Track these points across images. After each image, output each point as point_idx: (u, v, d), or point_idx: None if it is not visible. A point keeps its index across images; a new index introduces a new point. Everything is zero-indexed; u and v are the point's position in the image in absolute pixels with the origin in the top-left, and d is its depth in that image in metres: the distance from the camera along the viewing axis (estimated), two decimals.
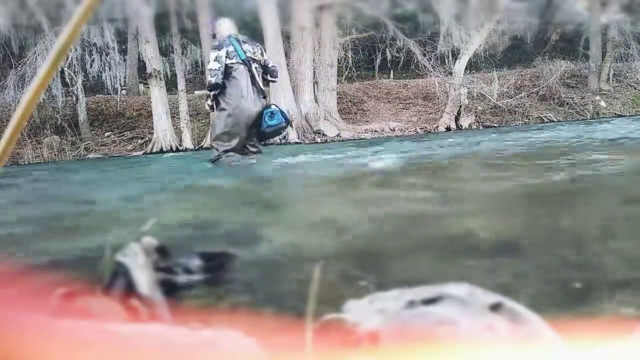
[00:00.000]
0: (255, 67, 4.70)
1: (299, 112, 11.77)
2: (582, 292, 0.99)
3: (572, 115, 13.88)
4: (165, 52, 13.06)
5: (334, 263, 1.27)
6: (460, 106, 12.94)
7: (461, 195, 2.43)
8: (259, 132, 4.76)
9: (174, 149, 11.58)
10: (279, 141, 10.96)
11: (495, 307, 0.66)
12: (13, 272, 1.34)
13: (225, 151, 4.68)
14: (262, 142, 4.99)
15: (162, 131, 11.66)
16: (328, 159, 5.02)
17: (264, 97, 4.86)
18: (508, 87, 13.64)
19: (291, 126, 11.50)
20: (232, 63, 4.60)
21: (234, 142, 4.67)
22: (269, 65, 4.89)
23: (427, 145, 6.57)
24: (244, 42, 4.73)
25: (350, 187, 3.12)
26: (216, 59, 4.63)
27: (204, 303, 1.09)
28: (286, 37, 12.13)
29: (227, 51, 4.61)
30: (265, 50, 4.99)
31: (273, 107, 4.74)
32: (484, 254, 1.31)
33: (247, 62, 4.64)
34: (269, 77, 4.94)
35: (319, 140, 11.51)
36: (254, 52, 4.72)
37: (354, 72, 14.52)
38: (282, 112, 4.70)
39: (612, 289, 1.00)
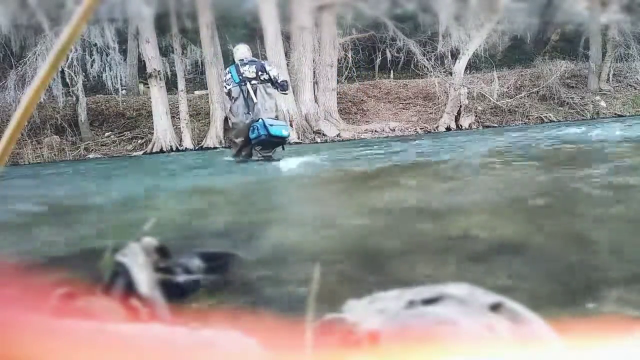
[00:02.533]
0: (253, 84, 5.46)
1: (299, 112, 11.76)
2: None
3: (572, 115, 13.88)
4: (165, 52, 13.04)
5: None
6: (460, 106, 12.93)
7: None
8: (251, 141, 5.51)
9: (174, 149, 11.57)
10: None
11: (495, 307, 0.66)
12: (13, 272, 1.34)
13: (238, 152, 5.60)
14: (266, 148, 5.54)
15: (162, 131, 11.65)
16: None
17: (272, 109, 5.60)
18: (508, 87, 13.64)
19: (291, 126, 11.51)
20: (230, 88, 5.55)
21: (243, 147, 5.56)
22: (279, 81, 5.60)
23: None
24: (245, 64, 5.52)
25: None
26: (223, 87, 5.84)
27: (204, 303, 1.09)
28: (286, 37, 12.12)
29: (225, 80, 5.69)
30: (269, 68, 5.59)
31: (259, 121, 5.34)
32: None
33: (241, 84, 5.41)
34: (279, 91, 5.68)
35: (319, 140, 11.50)
36: (250, 72, 5.49)
37: (354, 72, 14.51)
38: (265, 126, 5.26)
39: None
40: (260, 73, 5.50)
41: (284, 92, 5.82)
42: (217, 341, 0.66)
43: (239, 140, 5.56)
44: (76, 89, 11.99)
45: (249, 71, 5.48)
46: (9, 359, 0.61)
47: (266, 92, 5.51)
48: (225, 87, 5.66)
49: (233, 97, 5.52)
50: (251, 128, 5.37)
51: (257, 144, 5.42)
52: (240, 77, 5.46)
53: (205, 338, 0.67)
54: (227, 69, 5.74)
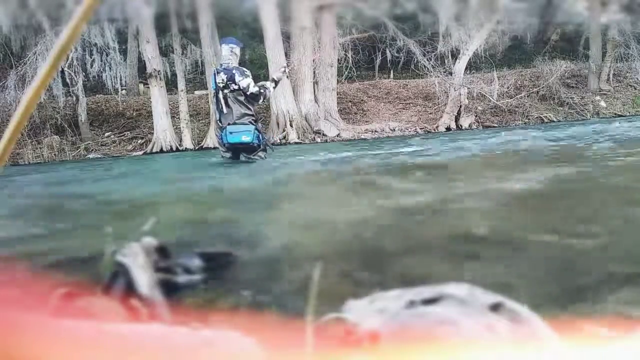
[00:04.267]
0: (226, 93, 5.51)
1: (299, 112, 11.76)
2: None
3: (572, 115, 13.87)
4: (165, 52, 13.04)
5: None
6: (460, 106, 12.93)
7: None
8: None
9: (174, 149, 11.57)
10: (278, 141, 10.97)
11: (495, 307, 0.66)
12: (13, 272, 1.34)
13: (224, 153, 5.74)
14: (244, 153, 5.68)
15: (162, 131, 11.65)
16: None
17: (248, 116, 5.61)
18: (508, 87, 13.62)
19: (291, 126, 11.50)
20: (213, 93, 5.73)
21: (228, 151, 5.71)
22: (248, 92, 5.48)
23: None
24: (220, 72, 5.53)
25: None
26: None
27: (204, 303, 1.09)
28: (286, 37, 12.12)
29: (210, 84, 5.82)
30: (239, 78, 5.51)
31: (224, 130, 5.48)
32: None
33: (216, 91, 5.58)
34: (251, 101, 5.60)
35: (319, 140, 11.50)
36: (221, 81, 5.51)
37: (354, 72, 14.50)
38: (226, 135, 5.41)
39: None
40: (229, 82, 5.47)
41: (255, 101, 5.67)
42: (217, 341, 0.66)
43: (220, 143, 5.74)
44: (76, 89, 11.99)
45: (221, 79, 5.49)
46: (9, 359, 0.61)
47: (237, 100, 5.51)
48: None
49: (213, 102, 5.74)
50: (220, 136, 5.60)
51: (227, 150, 5.60)
52: (215, 84, 5.54)
53: (205, 338, 0.67)
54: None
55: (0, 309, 0.77)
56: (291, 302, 1.04)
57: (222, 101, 5.47)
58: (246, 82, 5.48)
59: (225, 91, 5.48)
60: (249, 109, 5.58)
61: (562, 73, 14.15)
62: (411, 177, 3.61)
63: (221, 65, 5.59)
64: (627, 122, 9.82)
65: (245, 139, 5.44)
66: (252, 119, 5.62)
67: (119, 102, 13.26)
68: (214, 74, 5.61)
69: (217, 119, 5.64)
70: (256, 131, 5.53)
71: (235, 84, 5.46)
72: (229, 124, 5.46)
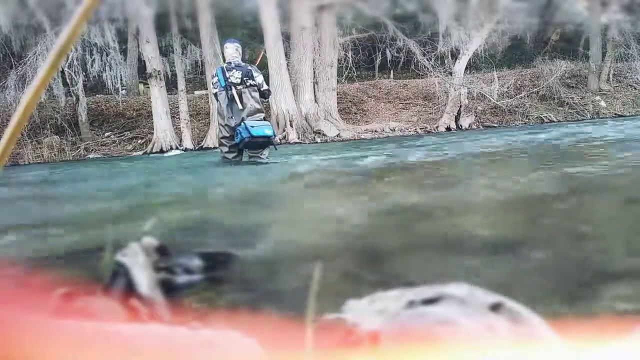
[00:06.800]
0: (240, 89, 5.47)
1: (299, 112, 11.76)
2: None
3: (572, 115, 13.88)
4: (165, 52, 13.04)
5: None
6: (460, 106, 12.93)
7: None
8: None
9: (174, 149, 11.57)
10: (278, 141, 10.97)
11: (495, 307, 0.66)
12: (13, 272, 1.34)
13: (226, 153, 5.69)
14: (252, 150, 5.62)
15: (162, 131, 11.65)
16: None
17: (260, 112, 5.65)
18: (508, 87, 13.63)
19: (291, 126, 11.51)
20: (217, 91, 5.61)
21: (231, 148, 5.68)
22: (262, 89, 5.64)
23: None
24: (232, 69, 5.51)
25: None
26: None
27: (204, 303, 1.09)
28: (286, 37, 12.12)
29: (212, 82, 5.74)
30: (255, 74, 5.58)
31: (241, 125, 5.41)
32: None
33: (227, 88, 5.49)
34: (259, 97, 5.69)
35: (319, 140, 11.50)
36: (236, 77, 5.49)
37: (354, 72, 14.50)
38: (247, 129, 5.33)
39: None
40: (246, 79, 5.49)
41: (265, 99, 5.87)
42: (217, 341, 0.66)
43: (226, 141, 5.65)
44: (76, 89, 11.99)
45: (234, 76, 5.47)
46: (9, 359, 0.61)
47: (251, 96, 5.54)
48: (213, 89, 5.71)
49: (219, 100, 5.59)
50: (236, 132, 5.44)
51: (244, 146, 5.48)
52: (226, 81, 5.48)
53: (205, 338, 0.67)
54: (216, 70, 5.75)
55: (0, 309, 0.77)
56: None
57: (237, 97, 5.44)
58: (261, 78, 5.62)
59: (240, 87, 5.47)
60: (261, 105, 5.68)
61: (562, 73, 14.15)
62: None
63: (230, 62, 5.55)
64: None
65: (268, 132, 5.44)
66: (263, 115, 5.69)
67: (119, 102, 13.26)
68: (223, 70, 5.54)
69: (228, 115, 5.53)
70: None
71: (253, 80, 5.52)
72: (243, 119, 5.43)
